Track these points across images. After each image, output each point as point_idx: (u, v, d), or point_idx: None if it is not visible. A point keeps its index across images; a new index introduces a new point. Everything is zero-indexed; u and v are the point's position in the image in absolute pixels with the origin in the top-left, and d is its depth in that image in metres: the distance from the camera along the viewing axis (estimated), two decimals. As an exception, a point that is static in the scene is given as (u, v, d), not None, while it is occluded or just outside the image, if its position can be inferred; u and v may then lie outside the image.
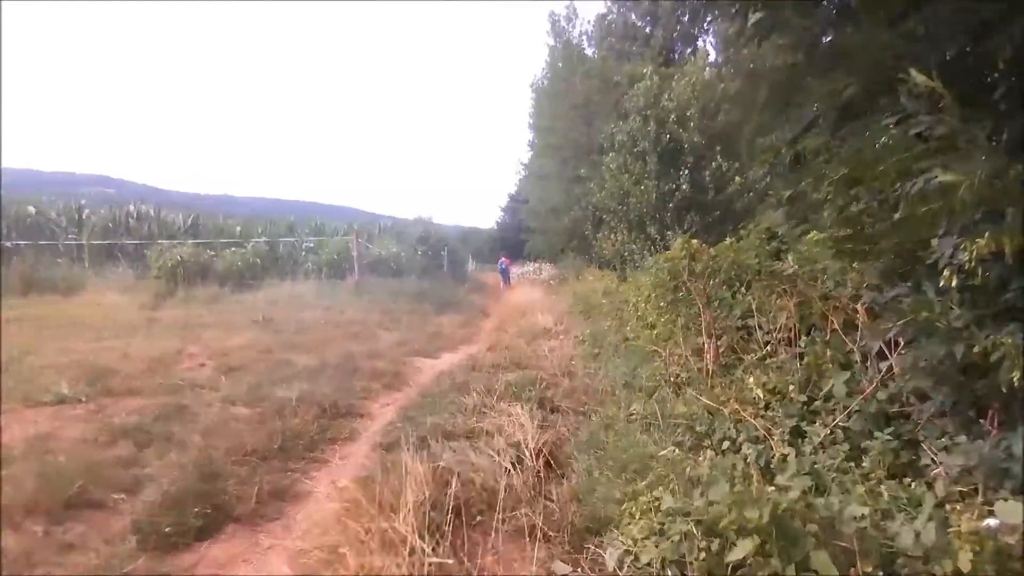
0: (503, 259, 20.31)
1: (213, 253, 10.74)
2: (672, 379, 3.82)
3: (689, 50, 25.96)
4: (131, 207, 12.03)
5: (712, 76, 16.44)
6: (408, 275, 11.61)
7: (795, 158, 3.96)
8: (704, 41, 26.40)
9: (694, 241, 6.54)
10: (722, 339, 4.21)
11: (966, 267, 1.98)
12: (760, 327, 3.95)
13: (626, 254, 16.24)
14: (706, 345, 3.94)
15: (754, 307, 3.98)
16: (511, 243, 44.91)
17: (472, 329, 8.74)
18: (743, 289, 5.47)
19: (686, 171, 15.25)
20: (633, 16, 28.40)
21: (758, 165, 4.43)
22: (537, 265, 23.10)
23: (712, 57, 23.95)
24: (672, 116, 15.74)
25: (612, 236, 16.91)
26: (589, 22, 28.65)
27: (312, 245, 11.78)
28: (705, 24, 26.77)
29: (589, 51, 28.13)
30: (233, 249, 11.16)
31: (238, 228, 13.42)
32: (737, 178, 15.44)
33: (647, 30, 27.68)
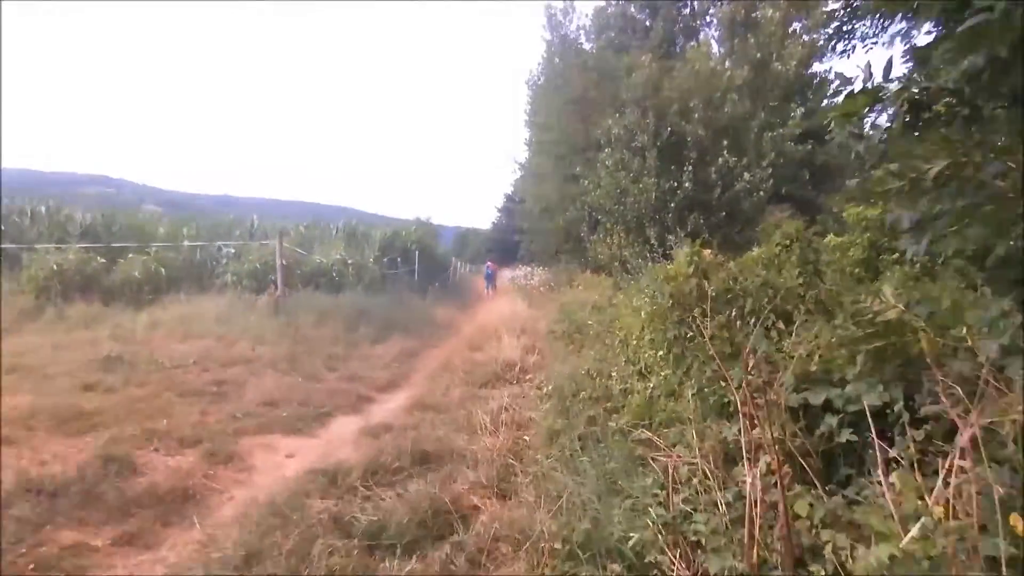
0: (489, 263, 18.03)
1: (103, 260, 8.44)
2: (682, 531, 1.89)
3: (691, 43, 24.08)
4: (25, 204, 9.84)
5: (717, 64, 14.48)
6: (356, 287, 9.40)
7: (914, 106, 2.00)
8: (706, 33, 24.47)
9: (706, 251, 4.61)
10: (764, 427, 2.25)
11: None
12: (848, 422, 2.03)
13: (622, 259, 14.32)
14: (743, 457, 2.02)
15: (850, 380, 2.05)
16: (506, 245, 42.95)
17: (413, 363, 6.67)
18: (779, 325, 3.54)
19: (689, 168, 13.29)
20: (632, 8, 26.49)
21: (837, 127, 2.25)
22: (528, 269, 21.10)
23: (715, 49, 22.12)
24: (673, 107, 13.79)
25: (608, 239, 14.97)
26: (587, 16, 26.66)
27: (233, 251, 9.62)
28: (708, 14, 24.93)
29: (587, 46, 26.22)
30: (132, 255, 8.74)
31: (160, 228, 10.67)
32: (745, 175, 13.51)
33: (646, 23, 25.78)
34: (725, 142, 13.95)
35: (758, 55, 17.60)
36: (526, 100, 30.55)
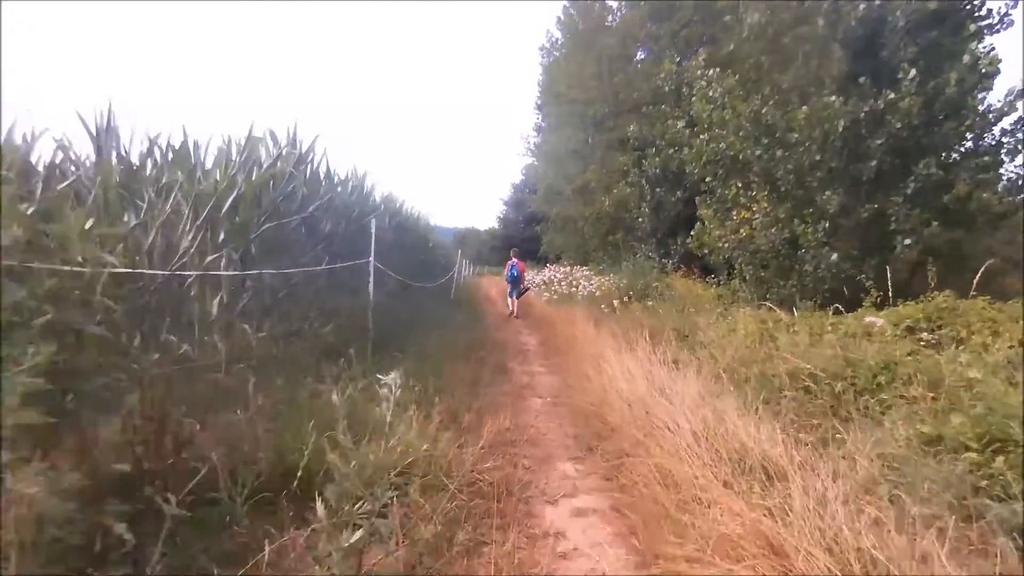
0: (514, 259, 10.94)
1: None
2: None
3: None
4: None
5: None
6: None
7: None
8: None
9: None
10: None
11: None
12: None
13: (767, 248, 7.67)
14: None
15: None
16: (513, 242, 36.48)
17: None
18: None
19: (912, 73, 6.69)
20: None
21: None
22: (567, 269, 14.45)
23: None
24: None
25: (736, 214, 8.26)
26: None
27: None
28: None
29: (613, 2, 19.42)
30: None
31: None
32: (1020, 85, 6.89)
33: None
34: (972, 27, 7.22)
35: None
36: (539, 72, 23.83)
